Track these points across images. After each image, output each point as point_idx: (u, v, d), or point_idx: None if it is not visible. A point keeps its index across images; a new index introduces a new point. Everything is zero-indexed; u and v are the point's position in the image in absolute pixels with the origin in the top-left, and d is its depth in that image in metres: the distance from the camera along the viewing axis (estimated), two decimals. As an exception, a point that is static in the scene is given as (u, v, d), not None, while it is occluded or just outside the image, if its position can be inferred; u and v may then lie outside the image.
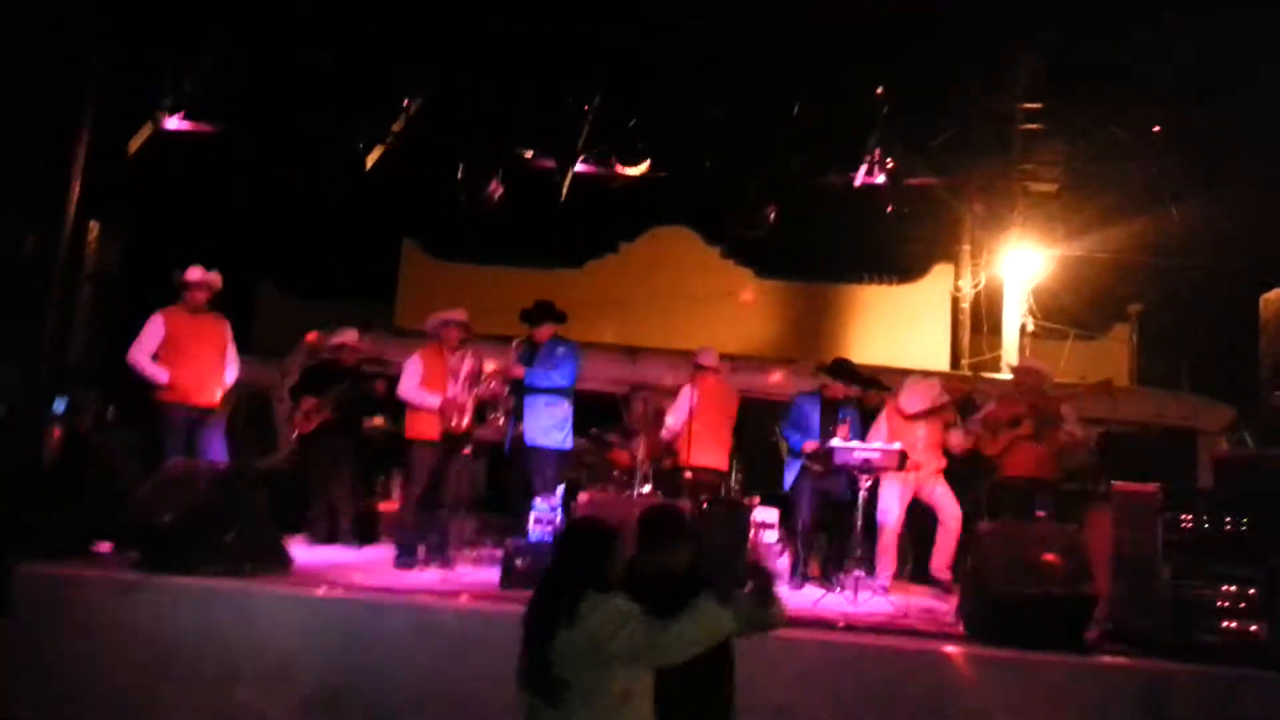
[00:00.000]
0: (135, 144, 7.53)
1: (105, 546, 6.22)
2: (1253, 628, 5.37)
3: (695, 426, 7.43)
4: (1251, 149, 7.43)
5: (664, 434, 7.73)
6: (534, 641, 3.10)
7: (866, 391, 7.75)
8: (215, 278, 7.08)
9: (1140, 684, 5.10)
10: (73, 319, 7.02)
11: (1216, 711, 5.00)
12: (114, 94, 6.41)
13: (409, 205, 12.97)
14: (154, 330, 6.85)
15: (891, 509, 7.39)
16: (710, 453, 7.56)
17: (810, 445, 7.33)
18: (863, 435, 7.45)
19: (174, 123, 7.73)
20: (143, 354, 6.78)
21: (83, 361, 8.30)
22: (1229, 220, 8.37)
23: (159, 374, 6.76)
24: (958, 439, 7.40)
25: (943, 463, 7.49)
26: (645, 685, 3.12)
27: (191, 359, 6.90)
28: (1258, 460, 6.27)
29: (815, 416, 7.47)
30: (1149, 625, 5.58)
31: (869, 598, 6.75)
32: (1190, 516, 5.66)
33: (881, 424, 7.59)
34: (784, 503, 7.72)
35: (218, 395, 7.05)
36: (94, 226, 7.30)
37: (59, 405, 6.89)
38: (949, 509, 7.35)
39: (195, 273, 7.00)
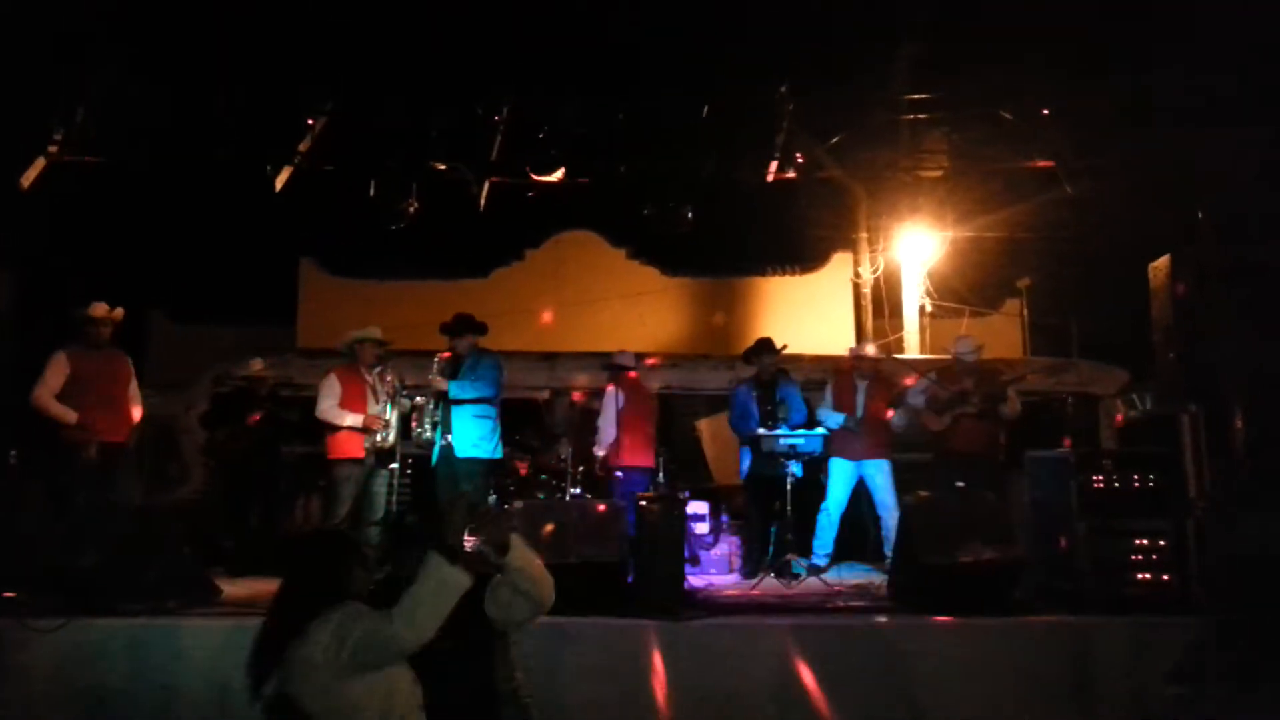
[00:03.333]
0: (27, 179, 7.19)
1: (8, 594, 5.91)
2: (1165, 577, 5.68)
3: (623, 427, 7.50)
4: (1136, 124, 7.84)
5: (599, 447, 7.70)
6: (264, 660, 3.00)
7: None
8: (119, 313, 6.83)
9: (1068, 638, 5.36)
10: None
11: (1139, 657, 5.29)
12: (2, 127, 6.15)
13: (306, 224, 12.68)
14: (57, 369, 6.57)
15: (837, 488, 7.52)
16: (638, 452, 7.63)
17: (751, 433, 7.43)
18: (809, 412, 7.63)
19: (64, 154, 7.40)
20: (47, 393, 6.50)
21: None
22: (1111, 195, 8.80)
23: (66, 414, 6.48)
24: (916, 399, 7.49)
25: (884, 445, 7.56)
26: (399, 688, 2.96)
27: (98, 396, 6.64)
28: (1157, 420, 6.62)
29: (752, 402, 7.59)
30: (1070, 583, 5.86)
31: (803, 579, 6.92)
32: (1100, 477, 5.96)
33: (828, 393, 7.76)
34: (714, 494, 7.84)
35: (126, 431, 6.80)
36: (-13, 266, 6.98)
37: None
38: (883, 495, 7.46)
39: (99, 308, 6.74)
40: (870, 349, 7.99)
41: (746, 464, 7.62)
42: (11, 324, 7.27)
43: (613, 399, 7.58)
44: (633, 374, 7.84)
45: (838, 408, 7.61)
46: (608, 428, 7.60)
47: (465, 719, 3.09)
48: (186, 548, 6.14)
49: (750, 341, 8.09)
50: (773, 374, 7.70)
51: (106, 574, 5.46)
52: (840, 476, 7.52)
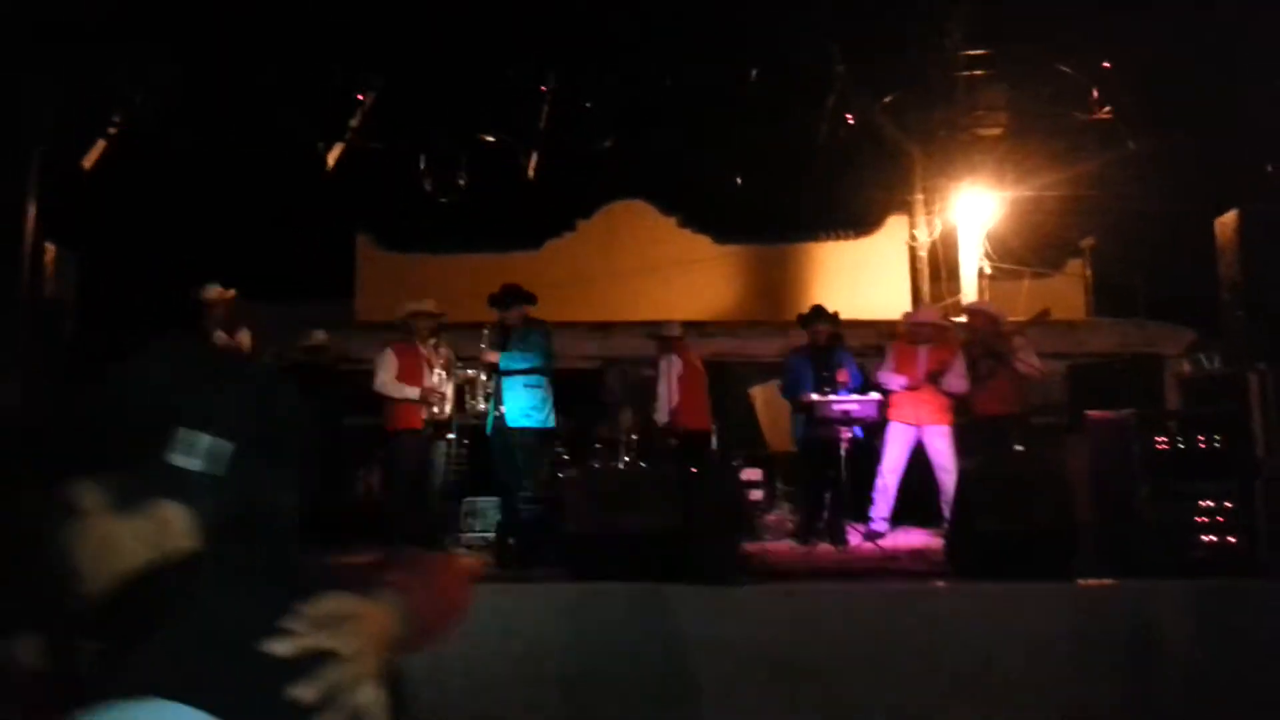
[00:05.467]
0: (89, 160, 7.38)
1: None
2: (1231, 540, 5.55)
3: (680, 392, 7.55)
4: (1199, 77, 7.59)
5: (659, 413, 7.67)
6: None
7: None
8: (231, 294, 7.24)
9: (1129, 604, 5.26)
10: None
11: (1205, 622, 5.18)
12: (65, 111, 6.30)
13: (361, 200, 12.85)
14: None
15: (894, 453, 7.46)
16: (694, 416, 7.67)
17: (806, 398, 7.43)
18: (865, 378, 7.57)
19: (126, 137, 7.58)
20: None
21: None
22: (1179, 149, 8.54)
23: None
24: (953, 383, 7.37)
25: (943, 409, 7.44)
26: None
27: None
28: (1222, 379, 6.46)
29: (807, 370, 7.56)
30: (1133, 546, 5.76)
31: (860, 544, 6.90)
32: (1163, 438, 5.83)
33: (889, 356, 7.70)
34: (768, 461, 7.85)
35: None
36: (49, 249, 7.17)
37: None
38: (944, 460, 7.33)
39: (213, 291, 7.12)
40: (931, 313, 7.92)
41: (800, 430, 7.59)
42: (75, 304, 7.48)
43: (668, 365, 7.60)
44: (681, 343, 7.85)
45: (898, 371, 7.53)
46: (666, 393, 7.61)
47: None
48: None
49: (804, 308, 8.04)
50: (827, 340, 7.65)
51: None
52: (898, 440, 7.43)
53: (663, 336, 7.79)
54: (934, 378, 7.35)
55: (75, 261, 7.80)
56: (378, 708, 1.30)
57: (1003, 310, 7.94)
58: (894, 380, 7.44)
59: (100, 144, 7.42)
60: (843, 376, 7.30)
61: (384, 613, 1.37)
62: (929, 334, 7.62)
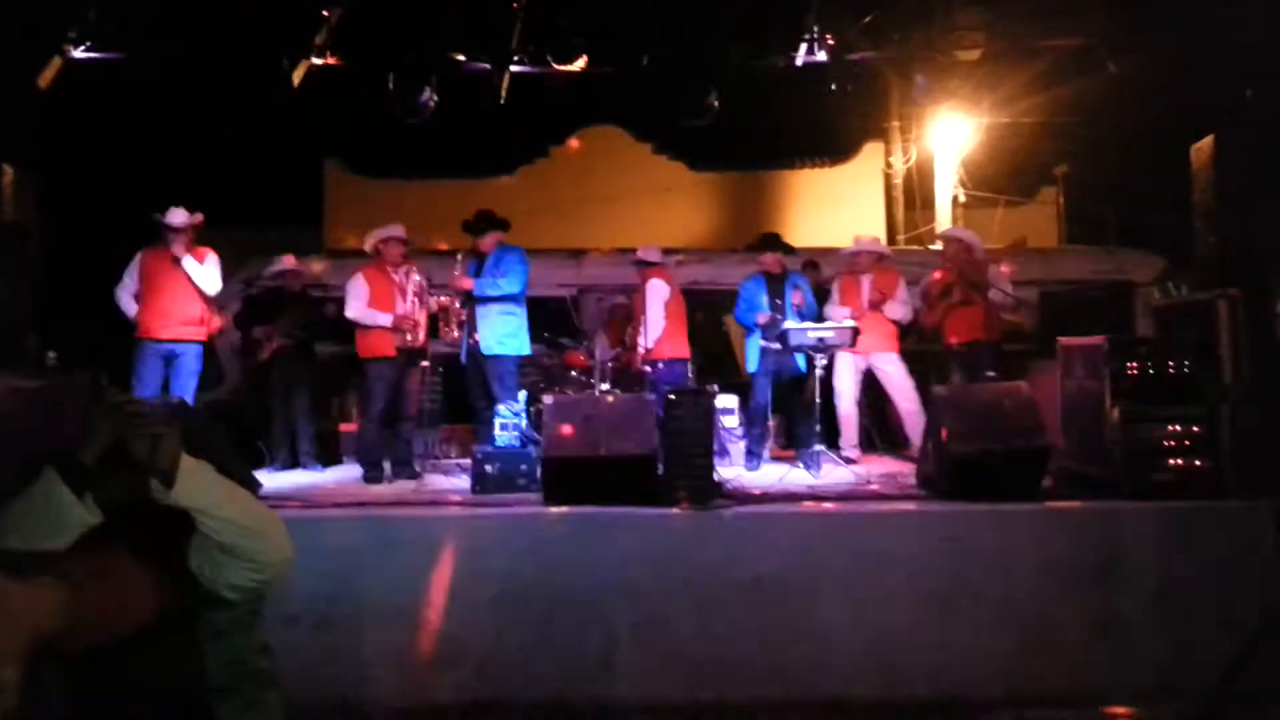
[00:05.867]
0: (45, 79, 7.10)
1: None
2: (1198, 463, 5.64)
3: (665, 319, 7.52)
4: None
5: (645, 339, 7.53)
6: None
7: (789, 256, 7.84)
8: (198, 218, 7.05)
9: (1100, 525, 5.37)
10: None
11: (1173, 543, 5.30)
12: (15, 27, 6.04)
13: (328, 124, 12.55)
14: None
15: (845, 382, 7.55)
16: (678, 343, 7.67)
17: (762, 317, 7.46)
18: (817, 302, 7.63)
19: (81, 53, 7.28)
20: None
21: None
22: (1154, 75, 8.46)
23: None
24: (895, 310, 7.53)
25: (889, 336, 7.58)
26: None
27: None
28: (1192, 306, 6.51)
29: (762, 294, 7.58)
30: (1102, 470, 5.85)
31: (831, 470, 6.97)
32: (1134, 364, 5.89)
33: (833, 290, 7.77)
34: (743, 389, 7.86)
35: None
36: (8, 171, 6.94)
37: None
38: (898, 385, 7.50)
39: (177, 215, 6.95)
40: (870, 242, 7.97)
41: (755, 356, 7.62)
42: (37, 228, 7.28)
43: (659, 290, 7.53)
44: (661, 269, 7.78)
45: (843, 303, 7.61)
46: (657, 319, 7.54)
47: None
48: (229, 446, 6.25)
49: (779, 234, 8.02)
50: (781, 269, 7.65)
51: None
52: (847, 369, 7.54)
53: (647, 261, 7.71)
54: (876, 306, 7.46)
55: (35, 185, 7.57)
56: (10, 688, 1.33)
57: (978, 238, 7.96)
58: (837, 312, 7.52)
59: (56, 62, 7.13)
60: (797, 298, 7.35)
61: (35, 597, 1.43)
62: (868, 263, 7.71)
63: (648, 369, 7.56)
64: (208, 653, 1.91)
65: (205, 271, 7.01)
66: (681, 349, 7.73)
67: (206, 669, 1.91)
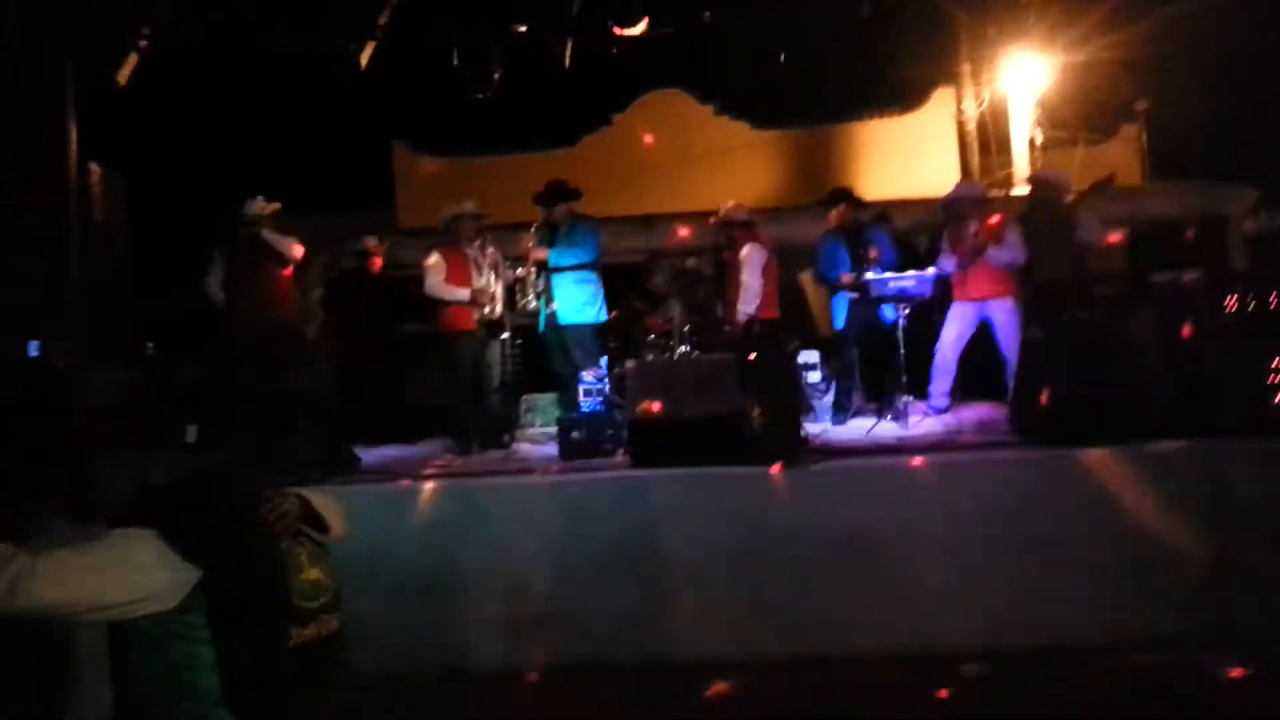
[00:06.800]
0: (123, 77, 7.28)
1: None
2: (1304, 396, 5.44)
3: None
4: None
5: (748, 303, 7.39)
6: None
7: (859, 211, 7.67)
8: (275, 206, 7.21)
9: (1204, 464, 5.22)
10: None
11: (1276, 479, 5.13)
12: (91, 23, 6.20)
13: (394, 105, 12.69)
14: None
15: (951, 332, 7.29)
16: (769, 305, 7.56)
17: (846, 276, 7.35)
18: (896, 255, 7.49)
19: (156, 50, 7.45)
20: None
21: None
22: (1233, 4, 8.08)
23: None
24: (1002, 256, 7.13)
25: (1003, 281, 7.20)
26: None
27: None
28: (1289, 234, 6.26)
29: (841, 250, 7.44)
30: (1202, 409, 5.67)
31: (920, 420, 6.87)
32: (1232, 298, 5.70)
33: (944, 242, 7.51)
34: (822, 344, 7.79)
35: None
36: (94, 171, 7.16)
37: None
38: (1007, 336, 7.12)
39: (257, 205, 7.13)
40: (967, 187, 7.71)
41: (842, 313, 7.51)
42: (125, 224, 7.52)
43: (759, 253, 7.43)
44: (754, 231, 7.68)
45: (953, 250, 7.36)
46: (755, 285, 7.39)
47: None
48: (330, 422, 6.42)
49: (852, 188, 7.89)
50: (854, 221, 7.51)
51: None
52: (959, 317, 7.28)
53: (740, 221, 7.60)
54: (980, 251, 7.17)
55: (121, 182, 7.81)
56: None
57: (1065, 177, 7.68)
58: (945, 263, 7.28)
59: (132, 58, 7.31)
60: (873, 254, 7.21)
61: None
62: (968, 208, 7.39)
63: (727, 328, 7.51)
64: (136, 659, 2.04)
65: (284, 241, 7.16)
66: (773, 310, 7.61)
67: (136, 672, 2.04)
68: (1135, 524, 5.14)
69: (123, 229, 8.38)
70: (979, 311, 7.21)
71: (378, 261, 8.15)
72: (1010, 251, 7.13)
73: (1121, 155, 12.81)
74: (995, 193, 11.09)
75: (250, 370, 6.69)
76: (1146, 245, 7.80)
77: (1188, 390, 5.81)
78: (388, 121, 13.73)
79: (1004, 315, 7.15)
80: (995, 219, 7.29)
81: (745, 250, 7.41)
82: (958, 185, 7.67)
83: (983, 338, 7.27)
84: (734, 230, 7.57)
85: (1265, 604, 4.96)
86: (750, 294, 7.37)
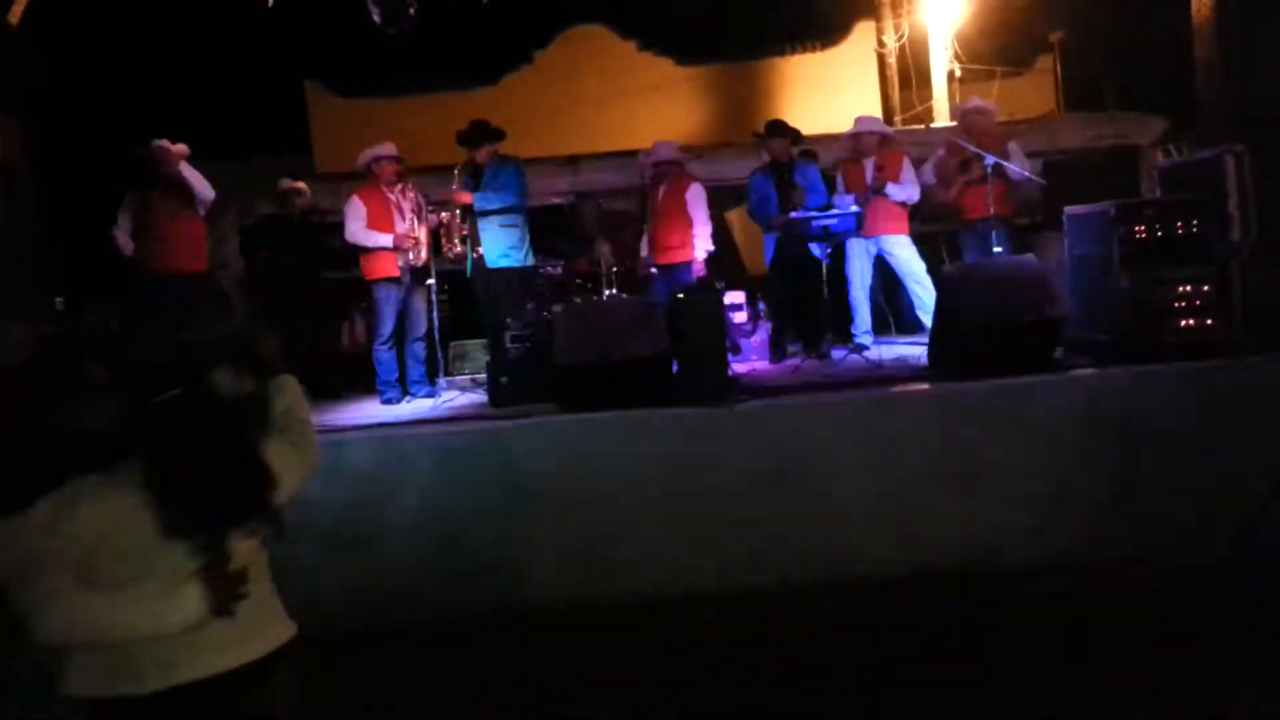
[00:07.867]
0: (14, 15, 6.89)
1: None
2: (1209, 322, 5.66)
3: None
4: None
5: (706, 241, 7.30)
6: None
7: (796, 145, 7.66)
8: (181, 148, 6.87)
9: (1116, 389, 5.41)
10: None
11: (1188, 401, 5.34)
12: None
13: (304, 43, 12.26)
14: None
15: (856, 268, 7.47)
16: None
17: (777, 220, 7.34)
18: (828, 189, 7.49)
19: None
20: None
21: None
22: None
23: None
24: (900, 192, 7.28)
25: (897, 218, 7.37)
26: None
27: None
28: (1198, 164, 6.43)
29: (771, 188, 7.44)
30: (1113, 336, 5.87)
31: (844, 357, 7.00)
32: (1141, 227, 5.86)
33: (839, 179, 7.63)
34: (749, 284, 7.83)
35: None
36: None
37: None
38: (908, 269, 7.33)
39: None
40: (871, 122, 7.72)
41: (770, 250, 7.56)
42: (24, 170, 7.18)
43: (700, 194, 7.34)
44: (684, 169, 7.60)
45: (848, 189, 7.47)
46: (705, 222, 7.32)
47: None
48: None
49: (770, 126, 7.84)
50: (789, 156, 7.51)
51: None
52: (857, 255, 7.43)
53: (669, 160, 7.50)
54: (879, 189, 7.26)
55: (17, 126, 7.44)
56: None
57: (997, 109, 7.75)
58: (843, 200, 7.34)
59: (22, -4, 6.93)
60: (797, 196, 7.20)
61: None
62: (871, 145, 7.46)
63: (652, 270, 7.52)
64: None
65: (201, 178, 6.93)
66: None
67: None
68: (1051, 449, 5.33)
69: (23, 176, 8.01)
70: (876, 247, 7.35)
71: (300, 204, 7.90)
72: (907, 188, 7.28)
73: (1037, 87, 13.03)
74: (910, 127, 11.21)
75: (165, 326, 6.50)
76: (1059, 176, 7.93)
77: (1098, 318, 6.01)
78: (300, 61, 13.29)
79: (901, 250, 7.31)
80: (895, 156, 7.40)
81: (691, 190, 7.34)
82: (859, 120, 7.63)
83: (892, 276, 7.45)
84: (662, 169, 7.51)
85: (1174, 522, 5.19)
86: (707, 232, 7.35)
